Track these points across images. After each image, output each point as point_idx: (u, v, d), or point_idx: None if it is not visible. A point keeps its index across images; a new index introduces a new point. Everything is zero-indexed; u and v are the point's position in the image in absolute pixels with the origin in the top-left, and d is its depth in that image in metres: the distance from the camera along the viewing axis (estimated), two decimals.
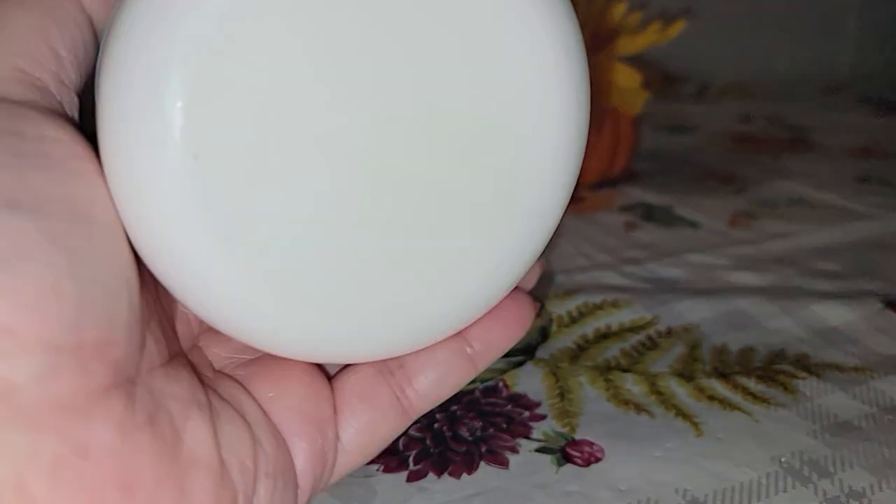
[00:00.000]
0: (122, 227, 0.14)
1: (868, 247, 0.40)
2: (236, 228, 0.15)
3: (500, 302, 0.19)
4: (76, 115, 0.15)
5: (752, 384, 0.28)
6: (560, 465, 0.23)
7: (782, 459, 0.24)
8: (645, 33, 0.48)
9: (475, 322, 0.19)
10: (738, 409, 0.26)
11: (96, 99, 0.15)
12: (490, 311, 0.19)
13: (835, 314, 0.32)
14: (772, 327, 0.32)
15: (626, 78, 0.47)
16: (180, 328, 0.18)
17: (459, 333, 0.19)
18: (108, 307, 0.13)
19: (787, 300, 0.33)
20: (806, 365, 0.29)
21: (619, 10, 0.49)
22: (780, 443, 0.24)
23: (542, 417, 0.26)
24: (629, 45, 0.48)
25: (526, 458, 0.24)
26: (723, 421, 0.26)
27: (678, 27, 0.48)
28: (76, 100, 0.15)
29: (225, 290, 0.15)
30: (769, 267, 0.37)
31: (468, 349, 0.19)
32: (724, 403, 0.27)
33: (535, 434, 0.25)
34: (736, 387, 0.27)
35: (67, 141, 0.14)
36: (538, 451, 0.24)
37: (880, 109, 0.71)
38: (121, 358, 0.14)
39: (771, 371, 0.29)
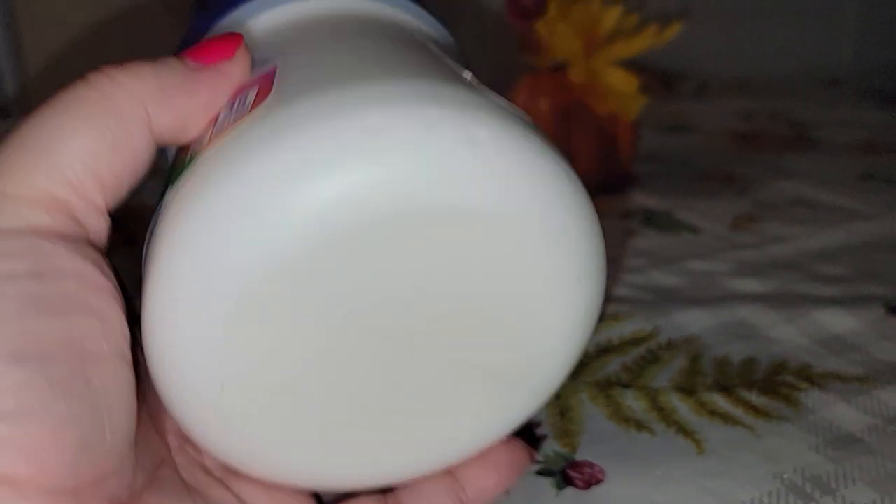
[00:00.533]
0: (129, 355, 0.15)
1: (871, 248, 0.40)
2: (253, 395, 0.16)
3: (497, 447, 0.20)
4: (105, 237, 0.16)
5: (753, 397, 0.27)
6: (560, 488, 0.23)
7: (784, 476, 0.23)
8: (641, 37, 0.47)
9: (470, 464, 0.20)
10: (740, 423, 0.26)
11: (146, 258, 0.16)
12: (486, 455, 0.20)
13: (837, 321, 0.32)
14: (774, 337, 0.31)
15: (623, 82, 0.47)
16: (168, 425, 0.18)
17: (454, 477, 0.20)
18: (107, 445, 0.14)
19: (789, 308, 0.33)
20: (808, 375, 0.29)
21: (614, 14, 0.49)
22: (782, 459, 0.24)
23: (543, 438, 0.26)
24: (625, 49, 0.47)
25: (526, 482, 0.23)
26: (724, 437, 0.25)
27: (674, 30, 0.47)
28: (108, 221, 0.16)
29: (236, 433, 0.16)
30: (771, 272, 0.37)
31: (461, 496, 0.20)
32: (726, 418, 0.26)
33: (538, 455, 0.25)
34: (738, 400, 0.27)
35: (88, 275, 0.14)
36: (538, 473, 0.24)
37: (882, 102, 0.71)
38: (116, 487, 0.14)
39: (773, 383, 0.28)
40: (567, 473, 0.24)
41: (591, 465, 0.24)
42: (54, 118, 0.15)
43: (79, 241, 0.15)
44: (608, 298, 0.35)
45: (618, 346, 0.31)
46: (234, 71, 0.17)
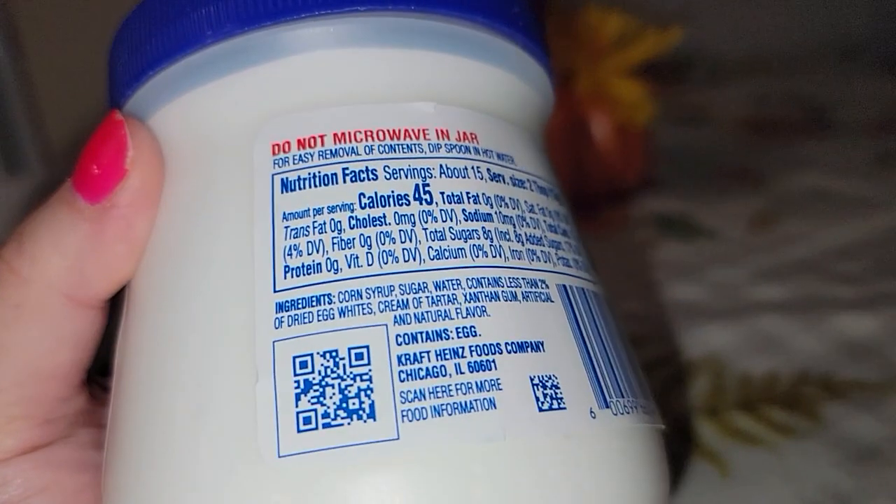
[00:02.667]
0: None
1: (889, 241, 0.40)
2: None
3: None
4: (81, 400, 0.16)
5: (775, 413, 0.28)
6: None
7: (808, 496, 0.24)
8: (642, 44, 0.48)
9: None
10: (763, 443, 0.27)
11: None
12: None
13: (857, 325, 0.32)
14: (794, 346, 0.32)
15: (628, 91, 0.48)
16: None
17: None
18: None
19: (809, 313, 0.34)
20: (829, 385, 0.29)
21: (614, 21, 0.49)
22: (805, 478, 0.25)
23: None
24: (628, 57, 0.48)
25: None
26: (747, 458, 0.26)
27: (676, 34, 0.48)
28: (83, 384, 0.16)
29: None
30: (790, 276, 0.38)
31: None
32: (749, 438, 0.27)
33: None
34: (760, 418, 0.28)
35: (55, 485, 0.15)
36: None
37: None
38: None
39: (794, 396, 0.29)
40: None
41: None
42: None
43: (45, 447, 0.15)
44: (627, 317, 0.36)
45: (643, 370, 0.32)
46: (139, 187, 0.14)
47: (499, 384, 0.12)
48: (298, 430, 0.12)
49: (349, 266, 0.13)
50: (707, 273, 0.39)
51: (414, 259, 0.13)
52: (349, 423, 0.12)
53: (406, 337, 0.12)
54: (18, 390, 0.14)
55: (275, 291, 0.13)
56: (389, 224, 0.13)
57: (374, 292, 0.13)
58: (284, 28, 0.14)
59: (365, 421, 0.12)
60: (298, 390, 0.12)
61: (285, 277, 0.13)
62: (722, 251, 0.41)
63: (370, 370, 0.12)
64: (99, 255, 0.14)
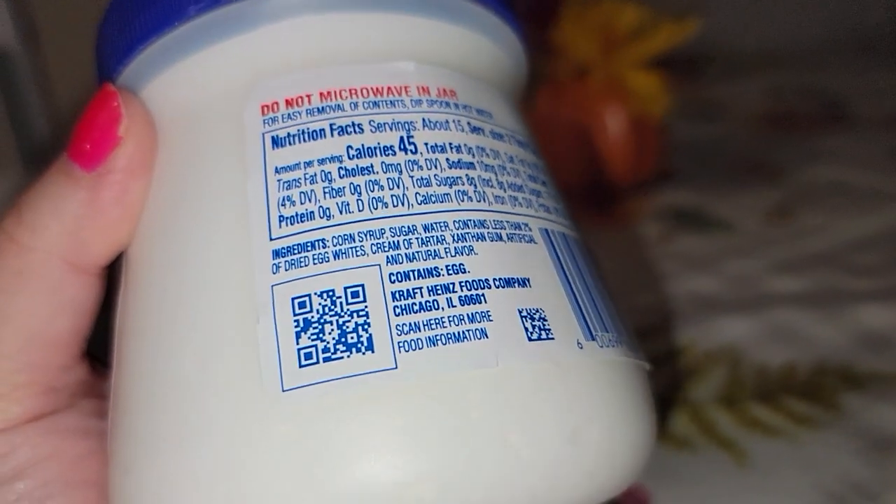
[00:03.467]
0: None
1: None
2: None
3: None
4: (82, 371, 0.16)
5: (794, 403, 0.28)
6: None
7: (826, 486, 0.24)
8: (658, 36, 0.47)
9: None
10: (781, 433, 0.27)
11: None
12: None
13: (875, 316, 0.32)
14: (812, 337, 0.32)
15: (644, 83, 0.47)
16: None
17: None
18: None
19: (827, 305, 0.33)
20: (848, 376, 0.29)
21: (629, 13, 0.49)
22: (824, 468, 0.25)
23: None
24: (643, 49, 0.48)
25: None
26: (765, 448, 0.26)
27: (691, 27, 0.47)
28: (83, 351, 0.16)
29: None
30: (807, 268, 0.37)
31: None
32: (767, 428, 0.27)
33: None
34: (778, 408, 0.28)
35: (62, 453, 0.15)
36: None
37: None
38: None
39: (813, 387, 0.29)
40: (614, 498, 0.25)
41: (637, 486, 0.25)
42: None
43: (49, 415, 0.15)
44: (644, 310, 0.35)
45: (655, 363, 0.32)
46: (133, 153, 0.15)
47: (489, 316, 0.13)
48: (300, 366, 0.12)
49: (341, 213, 0.13)
50: (723, 265, 0.39)
51: (402, 204, 0.14)
52: (348, 357, 0.12)
53: (399, 275, 0.13)
54: (23, 357, 0.15)
55: (271, 240, 0.13)
56: (377, 173, 0.14)
57: (366, 235, 0.13)
58: None
59: (363, 353, 0.12)
60: (298, 329, 0.12)
61: (280, 226, 0.13)
62: (738, 243, 0.41)
63: (366, 306, 0.13)
64: (96, 220, 0.15)
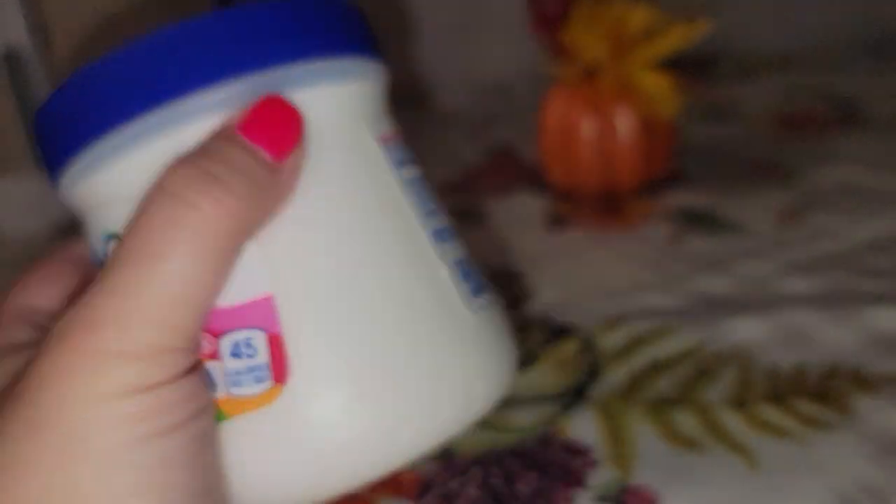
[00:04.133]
0: None
1: None
2: None
3: None
4: None
5: (804, 406, 0.28)
6: None
7: (837, 489, 0.24)
8: (669, 37, 0.47)
9: None
10: (791, 435, 0.26)
11: None
12: None
13: (887, 318, 0.32)
14: (824, 340, 0.32)
15: (655, 84, 0.47)
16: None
17: None
18: None
19: (839, 308, 0.33)
20: (859, 379, 0.29)
21: (640, 14, 0.49)
22: (835, 470, 0.25)
23: (597, 464, 0.27)
24: (654, 50, 0.47)
25: None
26: (776, 450, 0.26)
27: (702, 27, 0.47)
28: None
29: None
30: (819, 270, 0.37)
31: None
32: (777, 430, 0.27)
33: (592, 481, 0.26)
34: (789, 411, 0.28)
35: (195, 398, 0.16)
36: (594, 501, 0.25)
37: None
38: None
39: (824, 389, 0.29)
40: (622, 501, 0.25)
41: (646, 490, 0.25)
42: (153, 247, 0.15)
43: (186, 372, 0.15)
44: (653, 311, 0.35)
45: (665, 364, 0.32)
46: (298, 166, 0.16)
47: None
48: (473, 295, 0.18)
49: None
50: (735, 266, 0.39)
51: None
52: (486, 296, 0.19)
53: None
54: (191, 314, 0.15)
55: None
56: None
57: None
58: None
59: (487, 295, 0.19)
60: (461, 276, 0.19)
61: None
62: (750, 245, 0.41)
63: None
64: (270, 202, 0.16)
